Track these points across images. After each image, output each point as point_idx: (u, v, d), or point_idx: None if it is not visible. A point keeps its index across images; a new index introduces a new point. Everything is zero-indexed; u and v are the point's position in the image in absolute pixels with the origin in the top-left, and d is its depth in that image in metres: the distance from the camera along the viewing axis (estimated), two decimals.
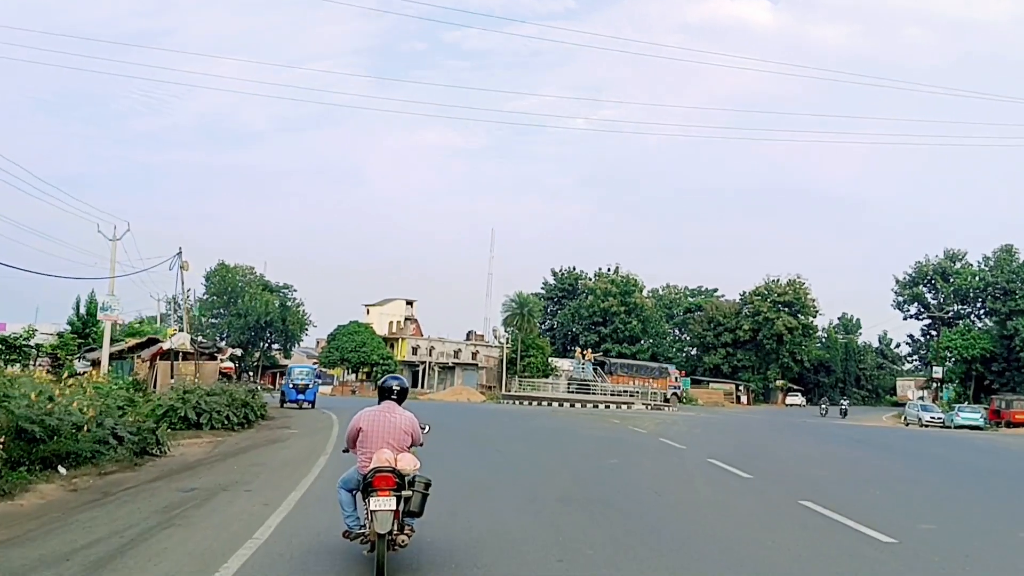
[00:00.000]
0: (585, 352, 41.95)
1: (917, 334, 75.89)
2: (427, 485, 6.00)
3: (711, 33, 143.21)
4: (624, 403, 36.44)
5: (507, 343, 63.12)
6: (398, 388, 6.14)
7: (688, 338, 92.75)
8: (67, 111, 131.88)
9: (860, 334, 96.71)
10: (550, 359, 63.50)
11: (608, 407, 35.71)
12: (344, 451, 6.37)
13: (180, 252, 35.22)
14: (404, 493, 5.63)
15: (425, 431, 6.27)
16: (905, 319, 74.91)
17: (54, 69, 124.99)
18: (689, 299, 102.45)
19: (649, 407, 37.44)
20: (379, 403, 6.05)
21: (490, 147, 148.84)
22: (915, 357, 76.42)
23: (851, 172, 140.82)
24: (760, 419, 36.44)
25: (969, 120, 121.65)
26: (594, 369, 43.55)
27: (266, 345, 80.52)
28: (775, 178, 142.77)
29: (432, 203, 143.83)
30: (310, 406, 31.28)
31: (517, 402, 40.95)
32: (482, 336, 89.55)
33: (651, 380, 66.36)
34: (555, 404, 35.98)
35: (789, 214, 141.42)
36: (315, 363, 75.46)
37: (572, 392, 40.85)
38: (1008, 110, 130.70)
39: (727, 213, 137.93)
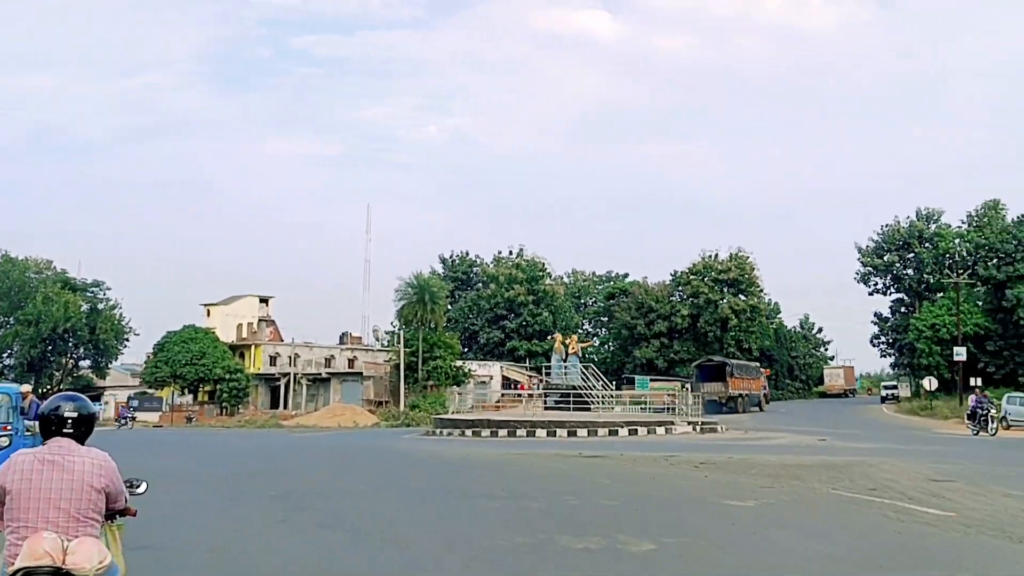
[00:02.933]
0: (568, 340, 32.53)
1: (887, 311, 72.31)
2: None
3: (557, 43, 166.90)
4: (659, 424, 26.61)
5: (401, 343, 54.05)
6: (75, 415, 4.30)
7: (607, 331, 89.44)
8: None
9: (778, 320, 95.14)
10: (466, 364, 55.73)
11: (637, 431, 25.29)
12: None
13: None
14: None
15: (138, 490, 4.63)
16: (871, 294, 71.73)
17: None
18: (597, 286, 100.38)
19: (699, 427, 27.26)
20: (44, 443, 4.25)
21: (345, 154, 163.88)
22: (881, 340, 73.02)
23: (698, 174, 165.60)
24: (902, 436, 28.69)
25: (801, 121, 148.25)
26: (584, 365, 32.92)
27: (70, 362, 67.82)
28: (634, 181, 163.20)
29: (287, 211, 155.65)
30: None
31: (452, 432, 27.50)
32: (359, 338, 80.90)
33: (750, 380, 59.24)
34: (529, 432, 25.18)
35: (649, 216, 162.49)
36: (140, 382, 64.42)
37: (559, 405, 30.32)
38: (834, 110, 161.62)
39: (592, 217, 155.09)
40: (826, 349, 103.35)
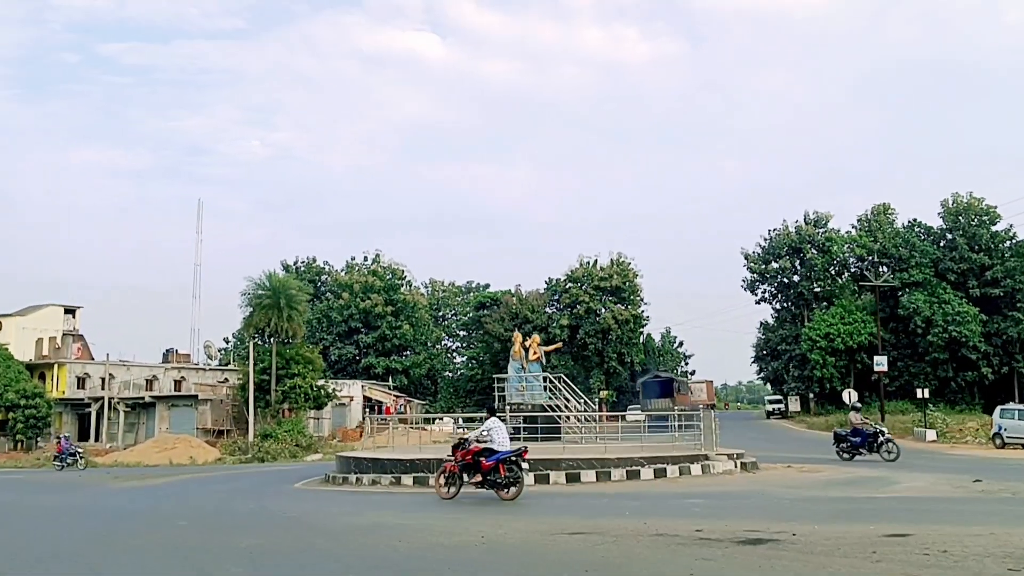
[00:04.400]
0: (529, 342, 26.95)
1: (772, 320, 71.98)
2: None
3: (385, 63, 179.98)
4: (690, 459, 20.21)
5: (251, 358, 47.40)
6: None
7: (472, 345, 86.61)
8: None
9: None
10: (329, 383, 49.83)
11: (666, 472, 19.43)
12: None
13: None
14: None
15: None
16: (759, 302, 71.17)
17: None
18: (458, 297, 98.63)
19: (739, 462, 21.14)
20: None
21: (156, 167, 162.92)
22: (765, 352, 72.64)
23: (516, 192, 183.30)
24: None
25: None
26: (552, 378, 26.87)
27: None
28: (453, 199, 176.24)
29: (97, 223, 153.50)
30: None
31: (378, 478, 20.15)
32: (187, 356, 72.87)
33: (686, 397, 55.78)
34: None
35: (469, 231, 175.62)
36: None
37: (520, 431, 22.51)
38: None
39: (413, 232, 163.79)
40: (687, 363, 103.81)
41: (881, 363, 50.75)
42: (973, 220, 63.95)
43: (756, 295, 72.05)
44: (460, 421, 63.01)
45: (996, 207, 63.51)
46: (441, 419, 62.53)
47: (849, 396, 51.43)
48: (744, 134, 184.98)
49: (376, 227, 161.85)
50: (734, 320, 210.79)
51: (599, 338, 72.27)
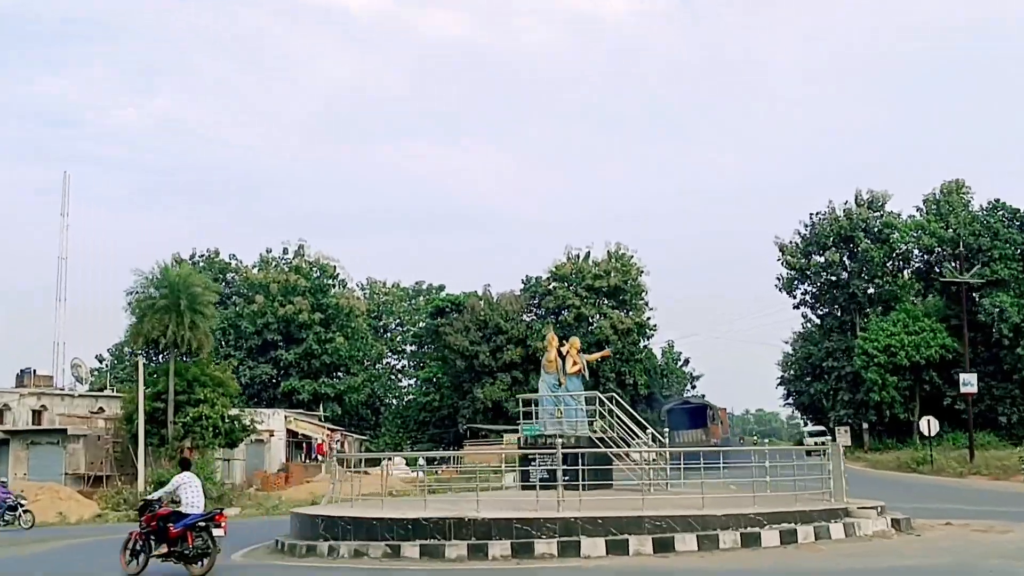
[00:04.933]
0: (567, 346, 23.61)
1: (814, 329, 70.42)
2: None
3: (300, 14, 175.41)
4: (824, 515, 16.19)
5: (140, 379, 43.63)
6: None
7: (426, 364, 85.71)
8: None
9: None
10: (246, 412, 46.23)
11: (796, 536, 16.91)
12: None
13: None
14: None
15: None
16: (797, 307, 69.16)
17: None
18: (404, 302, 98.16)
19: (889, 519, 18.72)
20: None
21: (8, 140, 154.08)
22: (803, 369, 71.01)
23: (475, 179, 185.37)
24: None
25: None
26: (603, 397, 23.43)
27: None
28: (403, 188, 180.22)
29: None
30: None
31: (364, 549, 17.15)
32: (49, 378, 68.59)
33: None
34: (563, 547, 16.36)
35: (411, 223, 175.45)
36: None
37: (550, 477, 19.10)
38: None
39: (341, 223, 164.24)
40: (693, 386, 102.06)
41: (970, 383, 48.66)
42: None
43: (795, 296, 70.74)
44: (423, 462, 60.56)
45: None
46: (390, 460, 59.88)
47: (928, 426, 49.12)
48: (768, 101, 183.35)
49: (295, 218, 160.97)
50: (745, 332, 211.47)
51: (593, 352, 69.05)
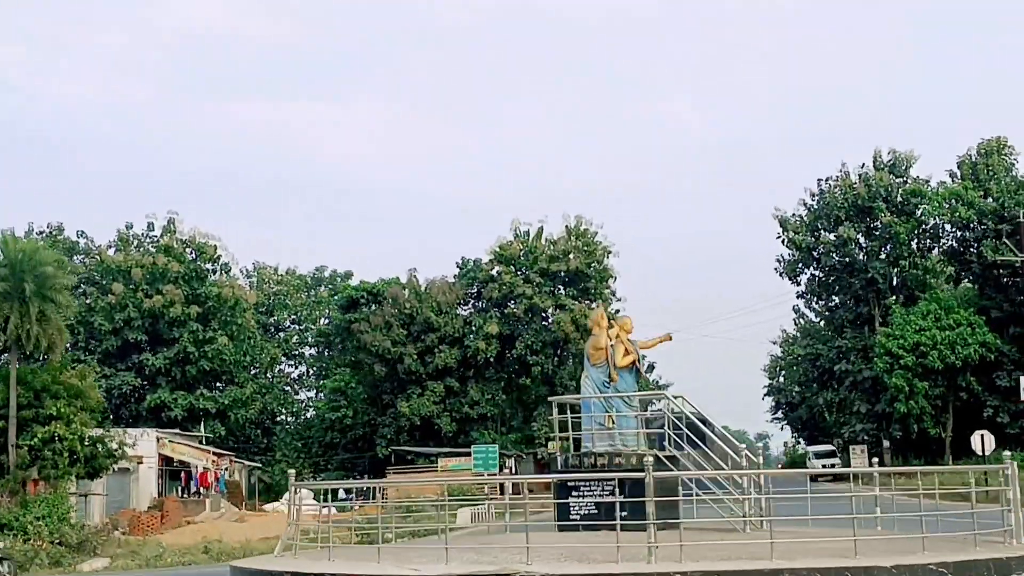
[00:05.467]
0: (617, 325, 21.81)
1: (823, 324, 70.76)
2: None
3: None
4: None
5: None
6: None
7: (332, 370, 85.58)
8: None
9: None
10: (115, 432, 46.22)
11: None
12: None
13: None
14: None
15: None
16: (802, 295, 70.28)
17: None
18: (302, 293, 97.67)
19: None
20: None
21: None
22: (809, 376, 71.40)
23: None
24: None
25: None
26: (671, 399, 21.96)
27: None
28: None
29: None
30: None
31: None
32: None
33: None
34: None
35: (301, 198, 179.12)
36: None
37: (591, 516, 18.05)
38: None
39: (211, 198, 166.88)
40: (658, 399, 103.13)
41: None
42: None
43: (798, 283, 70.97)
44: (343, 493, 58.99)
45: None
46: (297, 493, 58.20)
47: (983, 442, 48.74)
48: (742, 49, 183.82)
49: (156, 186, 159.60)
50: (730, 332, 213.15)
51: (548, 355, 71.13)
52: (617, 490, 16.90)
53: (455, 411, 71.60)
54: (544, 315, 71.31)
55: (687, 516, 20.34)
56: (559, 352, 71.51)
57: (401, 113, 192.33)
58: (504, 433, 72.52)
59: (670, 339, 23.13)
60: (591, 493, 19.79)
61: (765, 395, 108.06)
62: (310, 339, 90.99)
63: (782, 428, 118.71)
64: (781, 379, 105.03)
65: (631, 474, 18.48)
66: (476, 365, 72.48)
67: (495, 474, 51.31)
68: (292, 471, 21.75)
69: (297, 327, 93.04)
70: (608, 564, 14.48)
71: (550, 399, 24.96)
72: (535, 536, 19.51)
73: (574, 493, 20.15)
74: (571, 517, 19.61)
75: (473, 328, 71.92)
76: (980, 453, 47.47)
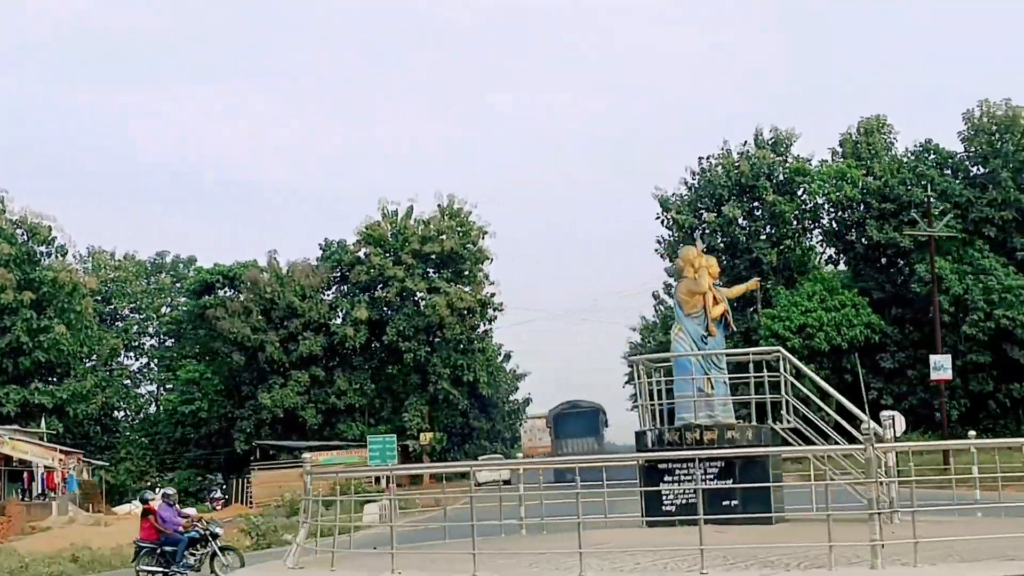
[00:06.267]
0: (701, 264, 18.15)
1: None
2: None
3: None
4: None
5: None
6: None
7: (181, 361, 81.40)
8: None
9: None
10: None
11: None
12: None
13: None
14: None
15: None
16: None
17: None
18: (143, 280, 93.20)
19: None
20: None
21: None
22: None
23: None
24: None
25: None
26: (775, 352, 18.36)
27: None
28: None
29: None
30: None
31: None
32: None
33: None
34: None
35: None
36: None
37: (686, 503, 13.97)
38: None
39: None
40: (517, 388, 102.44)
41: (944, 366, 47.44)
42: (1018, 141, 62.72)
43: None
44: (219, 493, 55.06)
45: None
46: (152, 493, 54.65)
47: (894, 423, 47.28)
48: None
49: None
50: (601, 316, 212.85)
51: (421, 341, 69.19)
52: (699, 473, 14.39)
53: (321, 402, 69.98)
54: (416, 299, 70.25)
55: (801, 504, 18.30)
56: (432, 338, 69.97)
57: (264, 102, 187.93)
58: (373, 424, 70.42)
59: (758, 286, 20.57)
60: (689, 478, 16.54)
61: (626, 383, 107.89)
62: (152, 329, 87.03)
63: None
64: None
65: (718, 451, 16.25)
66: (343, 353, 71.00)
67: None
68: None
69: (138, 316, 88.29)
70: (820, 570, 11.17)
71: (630, 358, 22.01)
72: (618, 533, 16.65)
73: (667, 478, 17.00)
74: (664, 509, 16.64)
75: (340, 313, 70.53)
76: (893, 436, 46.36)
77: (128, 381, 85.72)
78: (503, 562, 13.09)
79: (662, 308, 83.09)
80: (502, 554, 13.64)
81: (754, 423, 18.67)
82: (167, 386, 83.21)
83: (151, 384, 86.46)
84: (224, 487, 63.88)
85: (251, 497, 58.67)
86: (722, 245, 66.83)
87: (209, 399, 72.50)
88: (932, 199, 60.20)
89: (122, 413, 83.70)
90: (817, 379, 19.59)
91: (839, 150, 67.60)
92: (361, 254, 71.10)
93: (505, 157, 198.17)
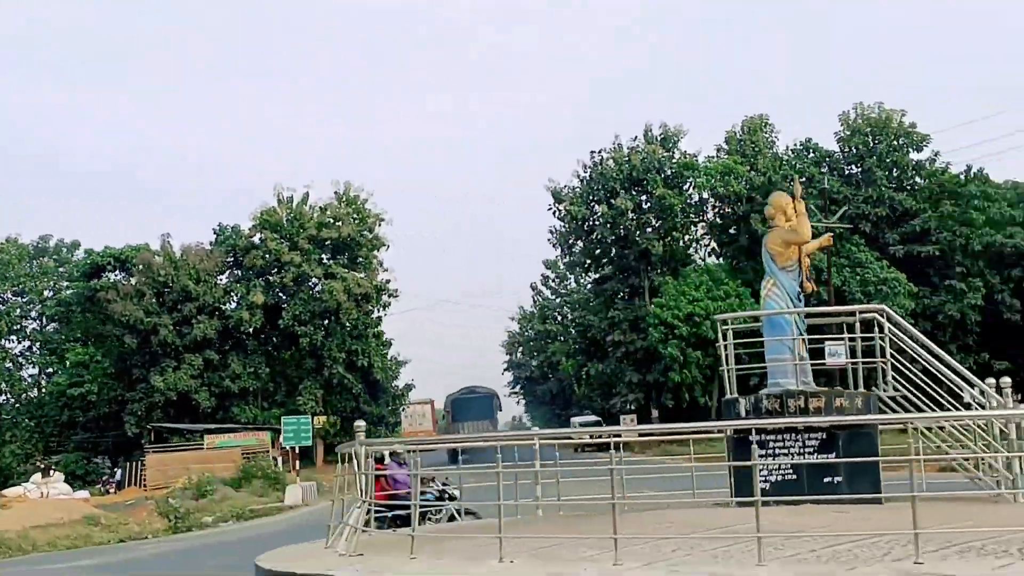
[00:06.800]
0: (791, 203, 16.64)
1: (592, 296, 71.03)
2: None
3: None
4: None
5: None
6: None
7: (67, 343, 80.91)
8: None
9: None
10: None
11: None
12: None
13: None
14: None
15: None
16: (575, 268, 69.72)
17: None
18: (21, 262, 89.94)
19: None
20: None
21: None
22: (581, 346, 72.62)
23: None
24: None
25: None
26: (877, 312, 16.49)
27: None
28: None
29: None
30: None
31: None
32: None
33: None
34: None
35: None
36: None
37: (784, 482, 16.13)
38: None
39: None
40: (397, 375, 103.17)
41: (838, 353, 48.80)
42: (890, 142, 65.96)
43: (571, 254, 71.49)
44: (112, 482, 54.08)
45: (919, 128, 66.10)
46: (48, 477, 53.73)
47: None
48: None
49: None
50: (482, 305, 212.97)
51: (317, 327, 68.87)
52: (798, 445, 14.36)
53: (215, 385, 68.81)
54: (311, 284, 69.94)
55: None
56: (328, 323, 69.45)
57: (154, 92, 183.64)
58: (267, 408, 70.00)
59: (830, 242, 19.17)
60: (786, 451, 15.56)
61: (504, 370, 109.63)
62: (34, 312, 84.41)
63: (518, 402, 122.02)
64: (519, 355, 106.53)
65: (812, 419, 15.04)
66: (238, 337, 70.16)
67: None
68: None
69: (20, 300, 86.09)
70: None
71: (717, 317, 20.40)
72: (705, 513, 15.08)
73: (761, 452, 14.77)
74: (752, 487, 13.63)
75: (235, 298, 69.65)
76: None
77: (10, 364, 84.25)
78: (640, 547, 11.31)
79: (539, 299, 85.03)
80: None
81: (860, 390, 17.06)
82: (49, 369, 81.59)
83: (33, 367, 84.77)
84: (119, 470, 62.72)
85: (145, 480, 57.63)
86: (613, 236, 68.70)
87: (99, 382, 71.17)
88: (812, 195, 62.93)
89: (3, 397, 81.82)
90: (928, 342, 17.60)
91: (724, 147, 69.63)
92: (256, 239, 70.44)
93: (403, 153, 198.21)
